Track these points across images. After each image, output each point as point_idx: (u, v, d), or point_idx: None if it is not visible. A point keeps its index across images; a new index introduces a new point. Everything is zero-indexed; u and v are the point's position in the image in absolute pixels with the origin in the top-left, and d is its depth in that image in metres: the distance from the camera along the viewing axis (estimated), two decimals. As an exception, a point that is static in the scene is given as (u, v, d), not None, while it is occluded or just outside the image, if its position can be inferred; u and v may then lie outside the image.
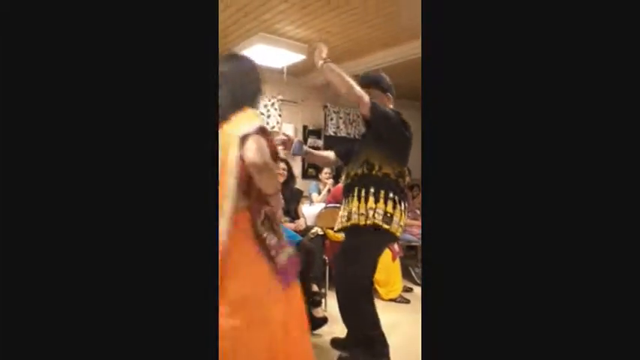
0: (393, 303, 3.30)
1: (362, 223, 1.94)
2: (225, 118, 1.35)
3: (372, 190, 1.96)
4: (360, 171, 2.02)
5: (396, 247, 3.48)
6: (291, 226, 3.03)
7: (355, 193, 1.99)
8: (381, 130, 1.98)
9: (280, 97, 4.88)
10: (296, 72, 4.54)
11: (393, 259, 3.45)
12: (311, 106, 5.39)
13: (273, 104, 4.84)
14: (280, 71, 4.28)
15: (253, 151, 1.25)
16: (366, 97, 1.92)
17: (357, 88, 1.91)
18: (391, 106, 2.12)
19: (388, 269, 3.36)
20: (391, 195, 1.97)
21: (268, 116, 4.80)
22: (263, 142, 1.29)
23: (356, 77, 2.01)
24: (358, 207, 1.96)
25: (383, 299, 3.30)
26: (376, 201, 1.95)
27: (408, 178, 4.06)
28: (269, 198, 1.38)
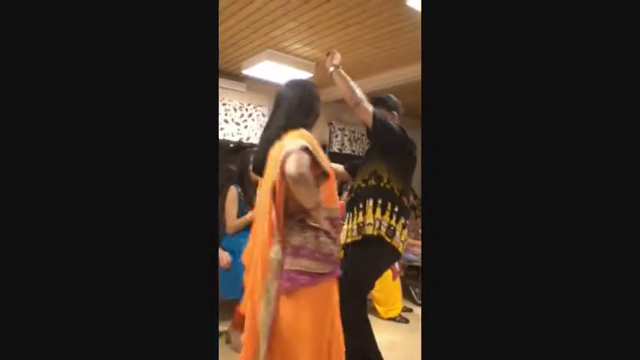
0: (392, 322, 3.28)
1: (370, 232, 1.96)
2: (279, 137, 1.45)
3: (379, 201, 1.98)
4: (367, 183, 2.03)
5: (396, 266, 3.47)
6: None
7: (364, 205, 2.00)
8: (384, 140, 2.01)
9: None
10: (302, 89, 4.59)
11: (394, 277, 3.44)
12: (316, 123, 5.43)
13: (278, 120, 4.88)
14: (286, 87, 4.33)
15: (291, 164, 1.31)
16: (369, 105, 1.96)
17: (361, 96, 1.95)
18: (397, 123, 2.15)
19: (388, 288, 3.35)
20: (396, 209, 1.99)
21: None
22: (304, 157, 1.34)
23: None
24: (365, 218, 1.98)
25: (382, 318, 3.29)
26: (382, 213, 1.97)
27: (412, 198, 4.09)
28: (311, 212, 1.41)
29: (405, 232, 2.06)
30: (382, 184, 2.01)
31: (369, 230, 1.96)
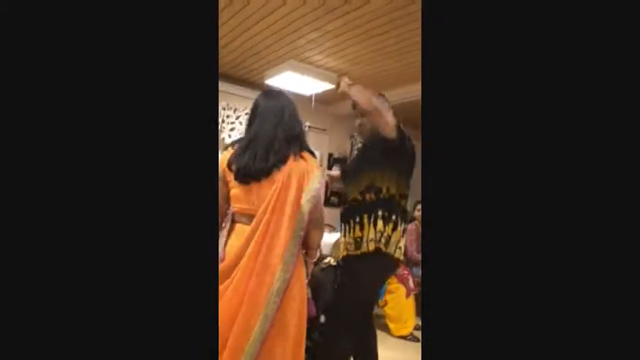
0: (403, 340, 3.20)
1: (372, 248, 1.87)
2: (282, 154, 1.49)
3: (379, 213, 1.89)
4: (364, 196, 1.93)
5: (411, 283, 3.40)
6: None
7: (361, 219, 1.91)
8: (400, 152, 1.93)
9: (308, 124, 4.93)
10: (324, 100, 4.59)
11: (407, 295, 3.36)
12: (338, 135, 5.43)
13: (299, 130, 4.90)
14: (309, 99, 4.35)
15: (319, 211, 1.53)
16: (392, 118, 1.90)
17: (381, 108, 1.90)
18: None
19: (401, 305, 3.27)
20: (393, 217, 1.91)
21: (294, 142, 4.85)
22: (322, 200, 1.53)
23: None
24: (368, 233, 1.89)
25: (393, 335, 3.21)
26: (384, 225, 1.88)
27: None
28: (311, 250, 1.61)
29: (403, 238, 1.96)
30: (381, 196, 1.91)
31: (371, 246, 1.87)
